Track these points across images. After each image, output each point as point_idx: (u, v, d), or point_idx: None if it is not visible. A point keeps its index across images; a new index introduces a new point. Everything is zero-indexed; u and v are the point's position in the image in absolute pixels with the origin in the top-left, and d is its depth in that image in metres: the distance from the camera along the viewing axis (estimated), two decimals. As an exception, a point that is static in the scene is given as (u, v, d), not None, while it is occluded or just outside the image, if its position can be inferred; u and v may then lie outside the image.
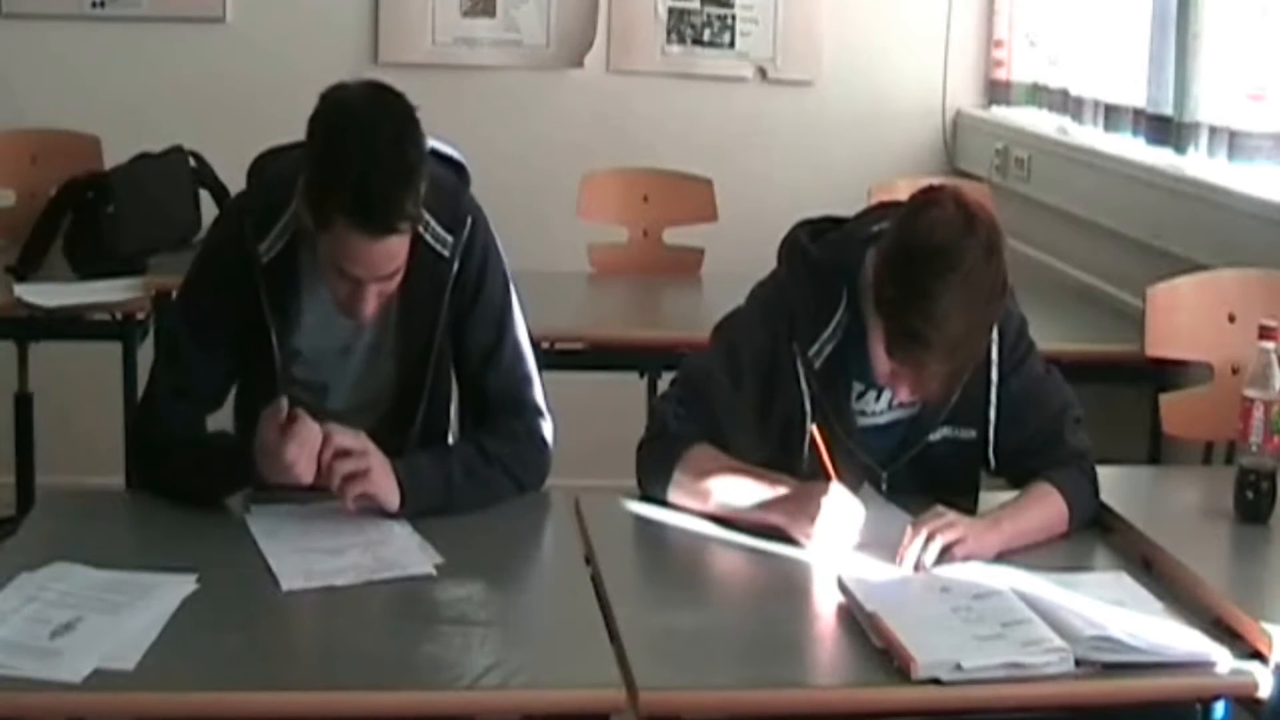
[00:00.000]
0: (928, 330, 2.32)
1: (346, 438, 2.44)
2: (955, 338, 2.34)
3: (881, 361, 2.44)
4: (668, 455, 2.56)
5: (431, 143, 2.56)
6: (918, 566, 2.32)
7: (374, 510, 2.45)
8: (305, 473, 2.41)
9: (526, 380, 2.68)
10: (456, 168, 2.70)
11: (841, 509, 2.39)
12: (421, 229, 2.56)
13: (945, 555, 2.34)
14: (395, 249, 2.44)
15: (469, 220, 2.63)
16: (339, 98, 2.46)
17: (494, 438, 2.60)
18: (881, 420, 2.61)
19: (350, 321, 2.61)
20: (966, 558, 2.35)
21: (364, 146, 2.38)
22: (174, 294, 2.77)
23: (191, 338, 2.61)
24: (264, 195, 2.60)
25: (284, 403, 2.43)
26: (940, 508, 2.40)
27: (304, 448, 2.40)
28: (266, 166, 2.65)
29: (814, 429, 2.47)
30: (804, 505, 2.40)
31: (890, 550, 2.35)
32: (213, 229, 2.77)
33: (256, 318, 2.58)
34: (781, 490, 2.46)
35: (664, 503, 2.56)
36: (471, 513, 2.52)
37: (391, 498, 2.45)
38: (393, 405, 2.69)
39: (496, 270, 2.68)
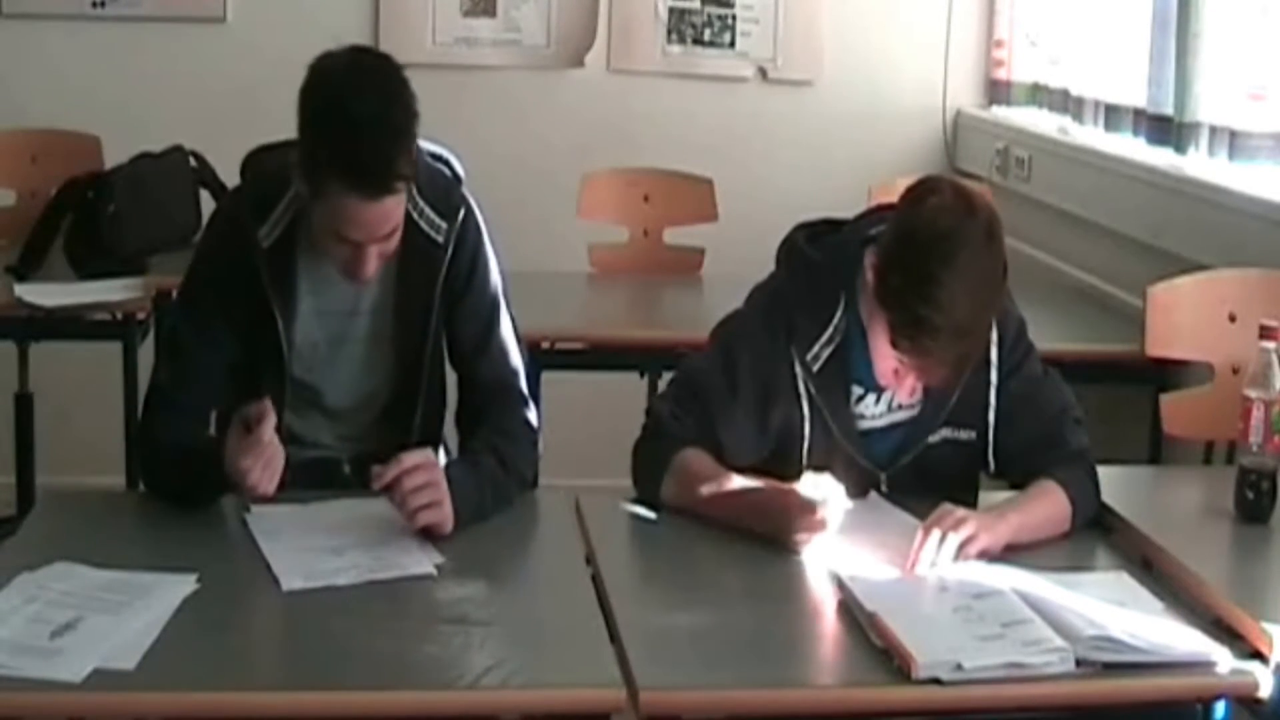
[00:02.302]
0: (935, 315, 2.32)
1: (417, 456, 2.41)
2: (961, 322, 2.35)
3: (884, 359, 2.44)
4: (660, 457, 2.55)
5: (422, 143, 2.57)
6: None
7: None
8: (259, 482, 2.37)
9: (516, 371, 2.70)
10: (449, 166, 2.71)
11: (814, 503, 2.37)
12: (416, 215, 2.59)
13: (959, 553, 2.33)
14: (391, 209, 2.45)
15: (462, 210, 2.65)
16: (324, 66, 2.47)
17: (504, 440, 2.59)
18: (881, 423, 2.61)
19: (347, 312, 2.63)
20: (980, 554, 2.35)
21: (352, 110, 2.40)
22: (174, 294, 2.76)
23: (192, 334, 2.61)
24: (259, 187, 2.62)
25: (265, 406, 2.38)
26: (948, 505, 2.39)
27: (258, 459, 2.37)
28: (259, 162, 2.67)
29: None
30: (785, 515, 2.39)
31: (895, 553, 2.34)
32: (209, 225, 2.77)
33: (259, 308, 2.59)
34: (768, 499, 2.44)
35: (658, 504, 2.55)
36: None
37: (449, 523, 2.42)
38: (391, 401, 2.69)
39: (488, 262, 2.70)
